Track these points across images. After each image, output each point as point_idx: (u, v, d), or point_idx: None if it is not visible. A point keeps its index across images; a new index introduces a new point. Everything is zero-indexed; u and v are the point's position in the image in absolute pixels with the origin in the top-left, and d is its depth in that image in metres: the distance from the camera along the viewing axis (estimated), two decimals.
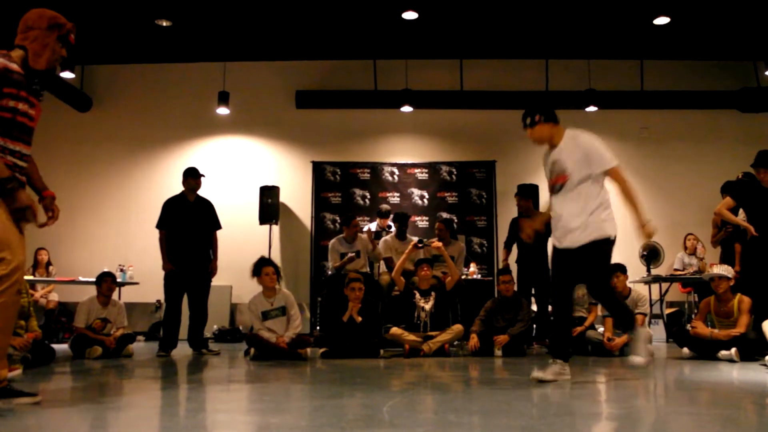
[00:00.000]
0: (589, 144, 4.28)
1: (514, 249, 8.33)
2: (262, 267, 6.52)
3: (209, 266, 7.15)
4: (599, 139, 4.37)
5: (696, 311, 7.12)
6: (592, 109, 10.36)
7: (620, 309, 4.61)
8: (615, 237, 4.29)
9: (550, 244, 4.55)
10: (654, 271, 8.85)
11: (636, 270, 8.62)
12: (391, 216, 8.83)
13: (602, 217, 4.24)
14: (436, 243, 7.27)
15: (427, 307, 6.73)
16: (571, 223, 4.24)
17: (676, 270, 9.14)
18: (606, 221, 4.26)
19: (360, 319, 6.44)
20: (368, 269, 8.03)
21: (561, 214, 4.31)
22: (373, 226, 9.19)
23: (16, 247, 3.09)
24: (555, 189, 4.38)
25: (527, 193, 8.50)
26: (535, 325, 7.84)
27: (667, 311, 9.27)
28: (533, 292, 8.14)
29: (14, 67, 3.18)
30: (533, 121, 4.39)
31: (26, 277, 8.10)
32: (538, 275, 7.94)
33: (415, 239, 7.55)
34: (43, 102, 3.42)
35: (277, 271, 6.54)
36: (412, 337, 6.52)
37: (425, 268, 6.88)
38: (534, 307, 8.02)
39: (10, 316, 3.11)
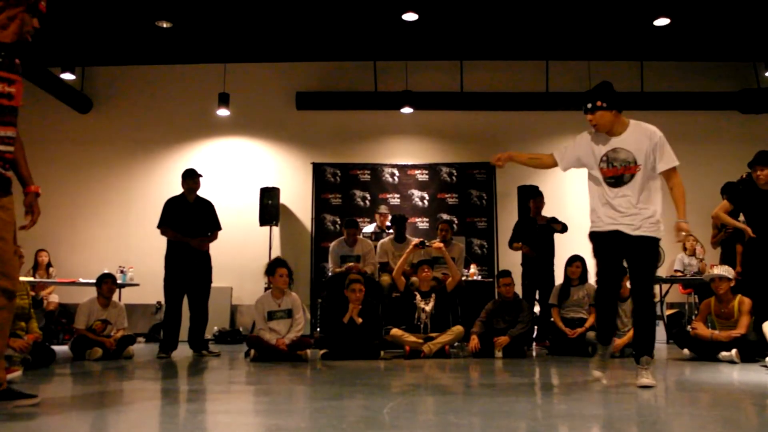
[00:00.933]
0: (661, 139, 4.25)
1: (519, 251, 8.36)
2: (276, 267, 6.50)
3: (209, 267, 7.15)
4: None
5: (696, 312, 7.12)
6: None
7: (649, 325, 4.35)
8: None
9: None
10: None
11: None
12: (389, 218, 8.84)
13: (658, 218, 4.28)
14: (437, 244, 7.26)
15: (428, 308, 6.73)
16: (645, 212, 4.22)
17: (676, 271, 9.13)
18: (661, 223, 4.30)
19: (360, 320, 6.44)
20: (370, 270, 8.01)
21: (632, 203, 4.21)
22: (371, 228, 9.20)
23: None
24: (622, 180, 4.23)
25: (536, 193, 8.54)
26: (536, 327, 7.84)
27: (668, 312, 9.26)
28: (537, 294, 8.14)
29: None
30: (594, 107, 4.22)
31: (27, 279, 8.11)
32: (542, 277, 7.95)
33: (416, 240, 7.55)
34: (20, 78, 3.21)
35: (290, 273, 6.52)
36: (412, 338, 6.52)
37: (426, 270, 6.88)
38: (537, 309, 8.01)
39: None
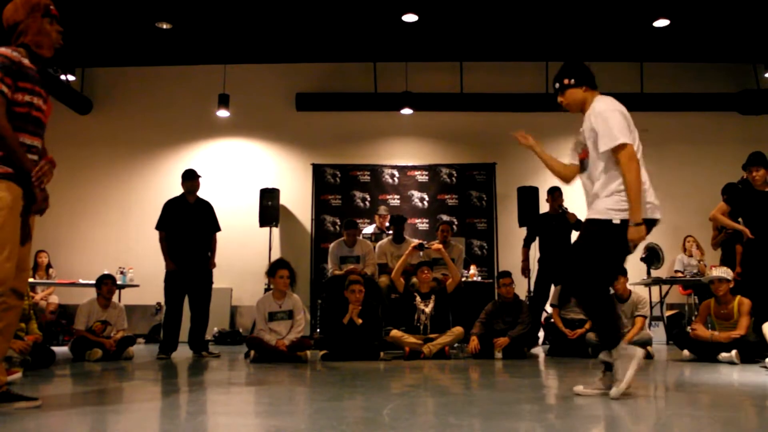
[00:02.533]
0: (599, 114, 3.64)
1: (534, 249, 8.28)
2: (277, 269, 6.50)
3: (208, 263, 7.16)
4: (620, 108, 3.66)
5: (696, 313, 7.12)
6: None
7: (597, 317, 3.73)
8: (619, 226, 3.53)
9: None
10: (654, 273, 8.85)
11: (636, 272, 8.61)
12: (389, 219, 8.84)
13: (614, 198, 3.57)
14: (437, 245, 7.25)
15: (428, 309, 6.73)
16: (599, 198, 3.64)
17: (676, 272, 9.14)
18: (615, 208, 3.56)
19: (360, 321, 6.44)
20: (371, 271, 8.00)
21: (589, 189, 3.74)
22: (371, 229, 9.20)
23: (10, 256, 3.03)
24: (584, 165, 3.79)
25: (553, 189, 8.50)
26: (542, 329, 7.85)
27: (668, 313, 9.27)
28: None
29: (26, 62, 3.18)
30: (563, 86, 3.84)
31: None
32: (557, 274, 7.88)
33: (416, 241, 7.54)
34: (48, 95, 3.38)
35: (291, 275, 6.51)
36: (412, 339, 6.53)
37: (425, 271, 6.88)
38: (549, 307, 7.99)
39: (3, 327, 3.05)
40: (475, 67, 10.82)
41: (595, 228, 3.63)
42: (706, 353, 6.00)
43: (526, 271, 8.22)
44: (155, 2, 8.81)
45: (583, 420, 2.95)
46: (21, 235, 3.15)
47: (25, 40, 3.24)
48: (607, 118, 3.58)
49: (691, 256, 9.12)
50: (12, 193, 3.07)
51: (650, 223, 3.60)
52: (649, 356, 6.48)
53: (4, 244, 3.01)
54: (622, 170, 3.51)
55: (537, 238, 8.21)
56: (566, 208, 8.14)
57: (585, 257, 3.65)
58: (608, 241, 3.57)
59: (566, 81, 3.81)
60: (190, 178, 7.24)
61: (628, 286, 6.99)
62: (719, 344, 5.93)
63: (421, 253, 7.51)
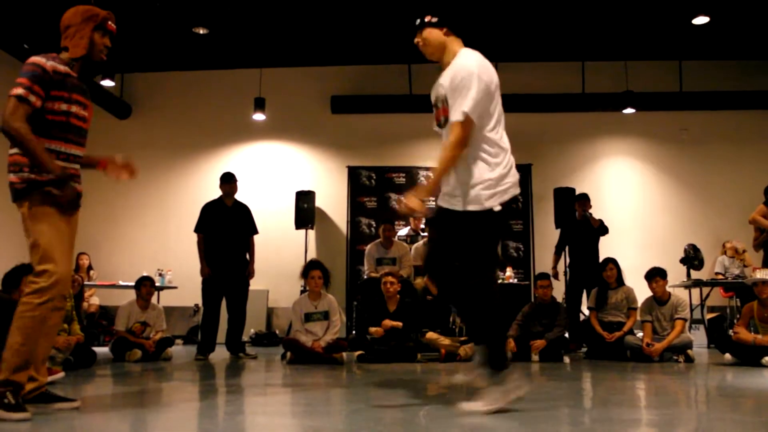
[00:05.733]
0: (454, 75, 3.20)
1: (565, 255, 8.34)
2: (310, 270, 6.53)
3: (246, 270, 7.21)
4: (483, 71, 3.18)
5: (738, 316, 6.98)
6: (629, 111, 10.22)
7: (469, 311, 3.33)
8: (485, 212, 3.26)
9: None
10: (695, 275, 8.69)
11: (676, 274, 8.48)
12: (423, 221, 8.82)
13: (469, 183, 3.28)
14: None
15: None
16: (453, 176, 3.31)
17: (717, 274, 8.96)
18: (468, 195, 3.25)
19: (400, 324, 6.40)
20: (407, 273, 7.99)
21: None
22: (405, 231, 9.20)
23: (60, 259, 3.07)
24: (440, 126, 3.42)
25: (581, 196, 8.49)
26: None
27: (708, 316, 9.09)
28: (585, 295, 8.06)
29: (63, 69, 3.21)
30: (422, 22, 3.36)
31: None
32: (589, 278, 7.82)
33: None
34: (91, 104, 3.44)
35: (324, 275, 6.52)
36: (448, 341, 6.51)
37: None
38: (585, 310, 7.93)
39: (49, 327, 3.08)
40: (509, 67, 10.70)
41: (446, 217, 3.32)
42: (749, 357, 5.88)
43: (554, 277, 8.18)
44: (192, 8, 8.94)
45: (622, 424, 2.91)
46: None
47: (67, 42, 3.29)
48: (465, 86, 3.15)
49: (732, 257, 8.95)
50: (47, 201, 3.12)
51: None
52: (689, 360, 6.38)
53: (52, 249, 3.07)
54: (444, 149, 3.23)
55: (567, 246, 8.29)
56: (591, 214, 8.16)
57: (446, 249, 3.33)
58: (459, 229, 3.26)
59: (428, 18, 3.35)
60: (229, 181, 7.31)
61: (668, 289, 6.88)
62: (762, 348, 5.80)
63: None
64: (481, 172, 3.28)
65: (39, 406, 3.08)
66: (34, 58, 3.17)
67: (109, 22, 3.37)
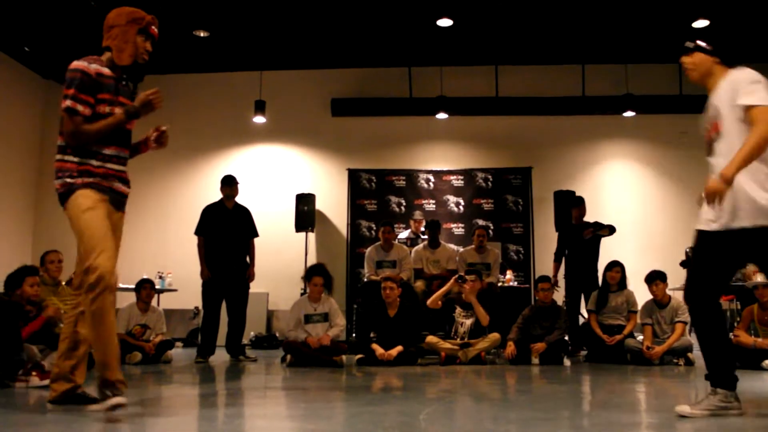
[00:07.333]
0: (734, 79, 3.27)
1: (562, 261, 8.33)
2: (312, 276, 6.54)
3: (246, 273, 7.21)
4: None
5: (738, 319, 6.97)
6: (629, 114, 10.24)
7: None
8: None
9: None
10: None
11: (677, 277, 8.45)
12: (424, 224, 8.82)
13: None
14: (468, 290, 6.72)
15: (468, 322, 6.65)
16: (751, 192, 3.07)
17: None
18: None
19: (400, 349, 6.37)
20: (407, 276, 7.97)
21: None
22: (406, 234, 9.19)
23: (102, 255, 3.09)
24: (709, 148, 3.30)
25: (577, 201, 8.48)
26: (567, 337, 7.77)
27: None
28: (582, 299, 8.03)
29: (106, 71, 3.24)
30: (696, 47, 3.46)
31: None
32: (587, 282, 7.80)
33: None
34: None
35: (326, 282, 6.52)
36: (448, 344, 6.50)
37: (474, 278, 6.76)
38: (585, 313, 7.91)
39: (107, 323, 3.09)
40: (510, 70, 10.75)
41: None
42: (749, 360, 5.87)
43: (555, 285, 8.15)
44: (193, 10, 8.95)
45: (623, 427, 2.91)
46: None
47: (110, 43, 3.30)
48: (754, 79, 3.21)
49: None
50: (90, 198, 3.16)
51: None
52: (689, 363, 6.38)
53: (96, 243, 3.10)
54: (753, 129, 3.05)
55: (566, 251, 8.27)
56: (596, 226, 8.14)
57: None
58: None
59: (697, 43, 3.47)
60: (230, 183, 7.30)
61: (668, 292, 6.88)
62: (763, 351, 5.80)
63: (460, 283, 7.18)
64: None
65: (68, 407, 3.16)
66: (77, 63, 3.19)
67: (153, 27, 3.40)
